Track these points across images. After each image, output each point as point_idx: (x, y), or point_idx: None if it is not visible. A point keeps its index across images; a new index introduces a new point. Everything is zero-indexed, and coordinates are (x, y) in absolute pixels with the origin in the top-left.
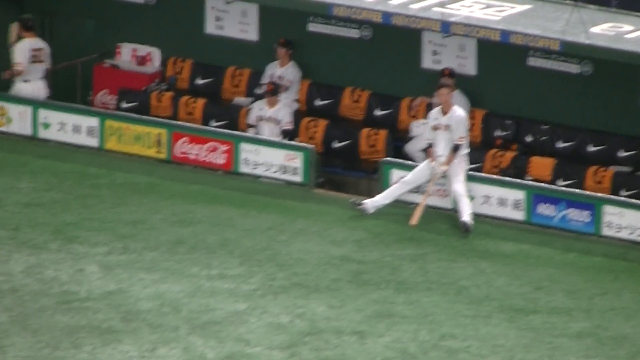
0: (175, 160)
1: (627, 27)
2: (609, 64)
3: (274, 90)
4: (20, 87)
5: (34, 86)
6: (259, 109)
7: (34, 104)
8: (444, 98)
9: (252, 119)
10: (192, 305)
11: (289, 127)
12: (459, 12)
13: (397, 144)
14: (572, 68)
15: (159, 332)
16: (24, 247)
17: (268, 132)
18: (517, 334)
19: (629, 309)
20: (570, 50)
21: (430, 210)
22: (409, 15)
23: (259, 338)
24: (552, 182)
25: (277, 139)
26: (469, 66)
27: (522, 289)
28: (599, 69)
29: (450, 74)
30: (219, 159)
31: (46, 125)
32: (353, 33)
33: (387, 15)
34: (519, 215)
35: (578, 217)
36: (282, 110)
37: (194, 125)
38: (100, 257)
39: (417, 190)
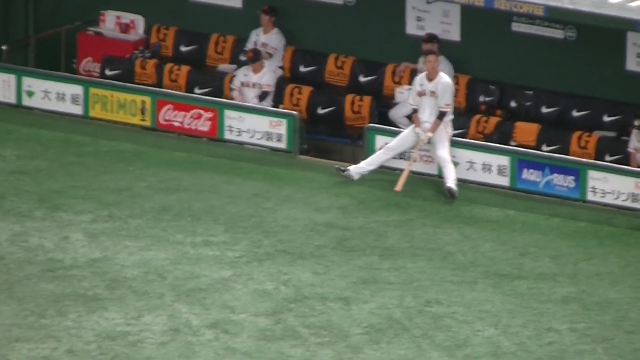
0: (160, 127)
1: None
2: (592, 29)
3: (255, 57)
4: None
5: None
6: (244, 74)
7: (18, 72)
8: (431, 65)
9: (236, 83)
10: (177, 272)
11: (268, 89)
12: None
13: (382, 110)
14: (556, 33)
15: (144, 299)
16: (9, 215)
17: (252, 98)
18: (503, 300)
19: (614, 274)
20: (554, 16)
21: (415, 176)
22: None
23: (244, 305)
24: (537, 148)
25: (257, 101)
26: (453, 32)
27: (507, 255)
28: (582, 34)
29: (429, 38)
30: (203, 126)
31: (30, 94)
32: None
33: None
34: (504, 181)
35: (563, 182)
36: (267, 76)
37: (178, 93)
38: (85, 225)
39: (402, 156)
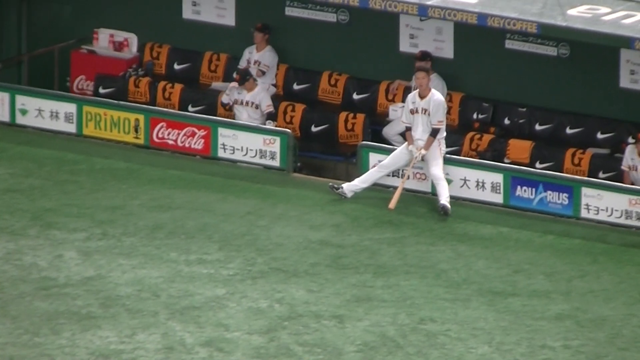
0: (153, 145)
1: (603, 9)
2: (586, 47)
3: (242, 79)
4: None
5: None
6: (238, 92)
7: (11, 90)
8: (421, 82)
9: (227, 98)
10: (171, 290)
11: (271, 109)
12: None
13: (375, 128)
14: (550, 50)
15: (138, 317)
16: (2, 234)
17: (246, 116)
18: (496, 317)
19: (607, 291)
20: (547, 33)
21: (408, 193)
22: None
23: (238, 323)
24: (530, 165)
25: (258, 123)
26: (446, 49)
27: (501, 272)
28: (576, 51)
29: (423, 56)
30: (197, 144)
31: (24, 112)
32: (330, 17)
33: None
34: (498, 198)
35: (556, 199)
36: (260, 94)
37: (172, 111)
38: (79, 243)
39: (396, 173)
